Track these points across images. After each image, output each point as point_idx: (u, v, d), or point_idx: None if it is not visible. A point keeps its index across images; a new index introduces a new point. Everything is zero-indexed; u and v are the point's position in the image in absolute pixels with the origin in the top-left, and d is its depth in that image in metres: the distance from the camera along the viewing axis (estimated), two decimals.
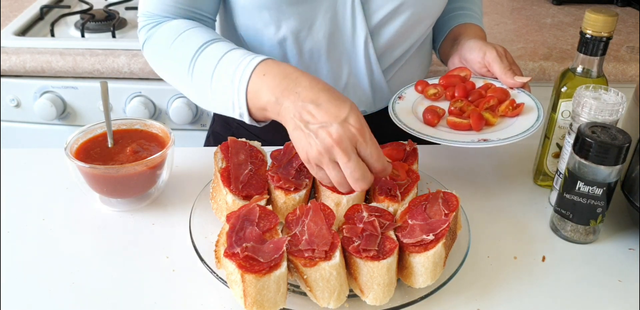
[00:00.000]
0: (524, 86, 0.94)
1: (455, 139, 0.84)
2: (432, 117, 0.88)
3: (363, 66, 0.99)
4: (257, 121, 0.83)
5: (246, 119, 0.82)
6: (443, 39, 1.07)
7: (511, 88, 0.95)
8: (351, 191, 0.75)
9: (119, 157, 0.85)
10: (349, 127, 0.71)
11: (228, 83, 0.80)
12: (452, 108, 0.90)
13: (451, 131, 0.87)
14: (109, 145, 0.87)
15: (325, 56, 0.97)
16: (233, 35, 1.00)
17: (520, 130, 0.85)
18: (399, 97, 0.95)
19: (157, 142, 0.88)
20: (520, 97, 0.93)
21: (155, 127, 0.90)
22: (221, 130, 1.19)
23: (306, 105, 0.73)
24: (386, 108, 0.93)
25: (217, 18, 1.01)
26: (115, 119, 0.90)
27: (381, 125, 1.01)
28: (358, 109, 0.74)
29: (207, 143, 1.25)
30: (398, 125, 0.87)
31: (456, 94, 0.93)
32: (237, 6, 0.94)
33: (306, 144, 0.73)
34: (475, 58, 0.96)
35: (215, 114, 1.23)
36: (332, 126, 0.71)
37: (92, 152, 0.86)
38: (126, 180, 0.84)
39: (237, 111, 0.81)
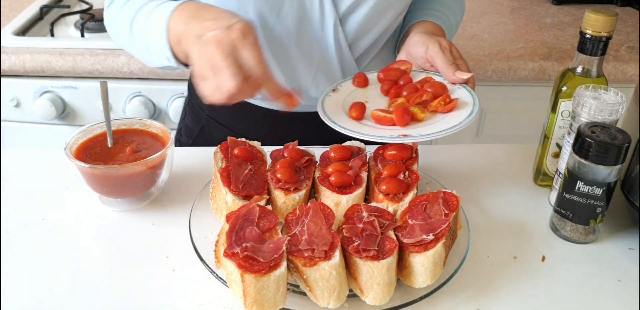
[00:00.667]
0: (467, 82, 0.91)
1: (374, 134, 0.81)
2: (357, 112, 0.85)
3: (334, 54, 0.99)
4: (185, 65, 0.86)
5: (172, 62, 0.85)
6: (401, 36, 1.06)
7: (453, 83, 0.91)
8: (230, 99, 0.75)
9: (119, 157, 0.85)
10: (232, 31, 0.74)
11: (155, 28, 0.85)
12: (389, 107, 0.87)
13: (375, 126, 0.84)
14: (109, 145, 0.87)
15: (294, 43, 0.97)
16: None
17: (446, 127, 0.81)
18: (333, 90, 0.93)
19: (156, 142, 0.88)
20: (458, 92, 0.89)
21: (155, 126, 0.90)
22: (191, 123, 1.19)
23: (206, 22, 0.77)
24: None
25: None
26: (115, 118, 0.90)
27: None
28: (252, 25, 0.76)
29: (178, 136, 1.24)
30: (322, 118, 0.85)
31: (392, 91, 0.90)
32: None
33: (198, 54, 0.76)
34: (419, 52, 0.94)
35: (186, 107, 1.22)
36: (216, 31, 0.74)
37: (91, 152, 0.86)
38: (126, 180, 0.84)
39: (165, 54, 0.85)
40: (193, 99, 1.17)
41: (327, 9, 0.93)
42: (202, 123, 1.15)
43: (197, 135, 1.17)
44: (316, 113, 0.86)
